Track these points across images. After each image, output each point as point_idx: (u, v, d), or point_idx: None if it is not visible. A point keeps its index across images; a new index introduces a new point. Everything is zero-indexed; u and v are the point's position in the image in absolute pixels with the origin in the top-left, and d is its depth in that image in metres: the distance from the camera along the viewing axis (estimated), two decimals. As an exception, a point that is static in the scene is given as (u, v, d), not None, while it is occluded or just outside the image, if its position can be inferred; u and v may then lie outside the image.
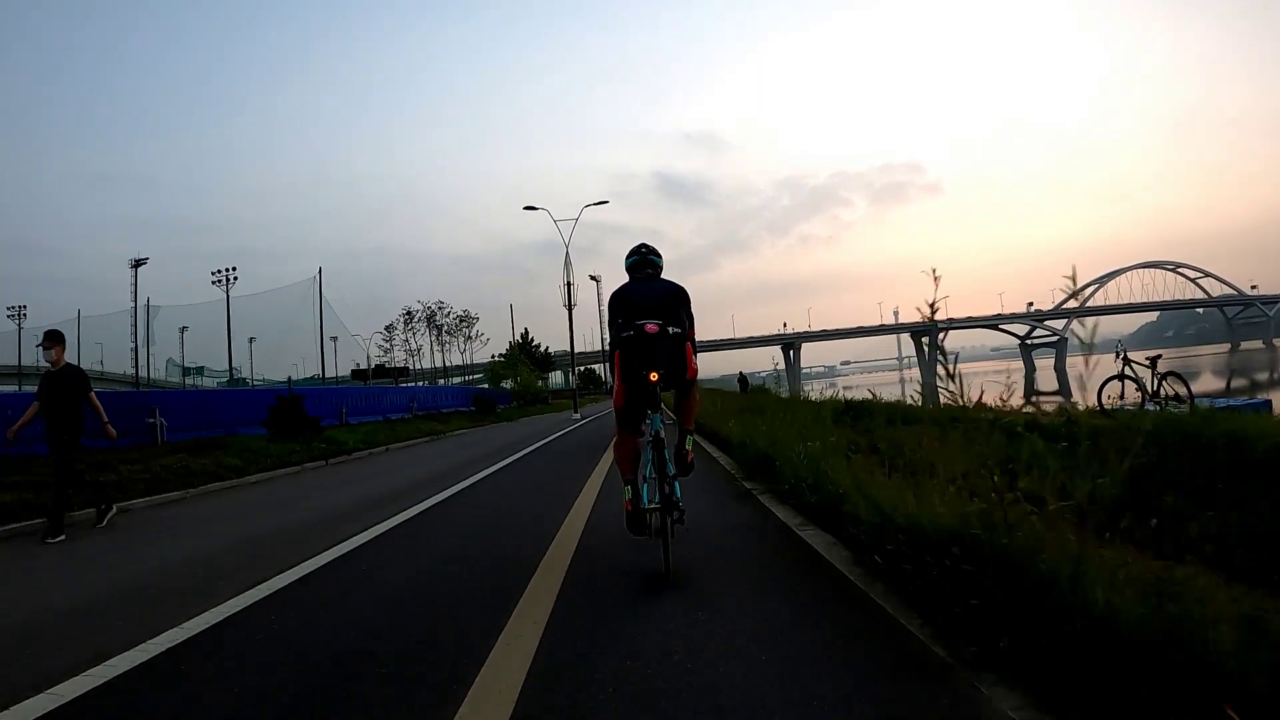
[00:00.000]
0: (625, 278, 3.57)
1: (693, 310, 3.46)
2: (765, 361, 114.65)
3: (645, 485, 3.25)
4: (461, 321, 72.73)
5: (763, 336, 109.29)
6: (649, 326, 3.18)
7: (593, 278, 45.82)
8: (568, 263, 30.06)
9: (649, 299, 3.33)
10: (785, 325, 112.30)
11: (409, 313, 65.90)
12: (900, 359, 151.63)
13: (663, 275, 3.58)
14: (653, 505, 3.12)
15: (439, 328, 68.93)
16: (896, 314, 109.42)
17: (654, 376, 3.12)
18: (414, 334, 66.89)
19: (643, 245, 3.60)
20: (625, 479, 3.32)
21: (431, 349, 70.18)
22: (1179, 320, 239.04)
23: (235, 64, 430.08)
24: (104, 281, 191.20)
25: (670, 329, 3.21)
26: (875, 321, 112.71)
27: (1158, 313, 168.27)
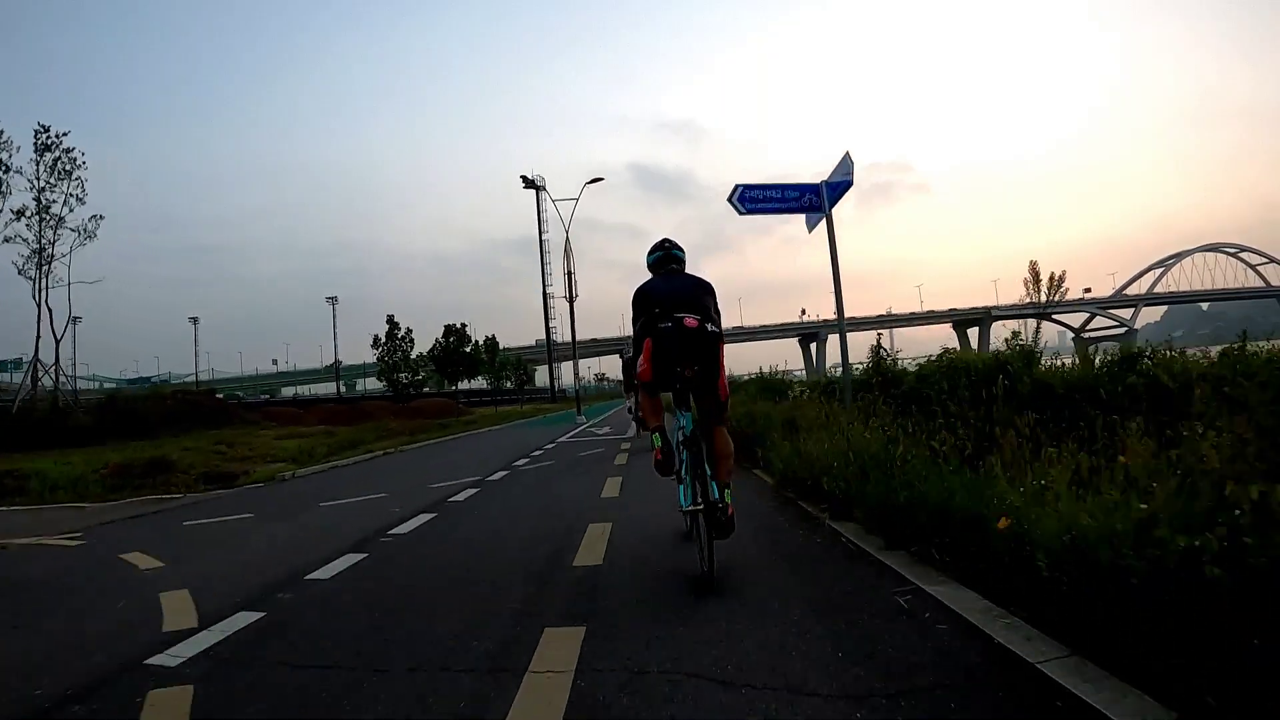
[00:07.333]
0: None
1: (719, 306, 3.39)
2: (772, 358, 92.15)
3: (682, 487, 3.11)
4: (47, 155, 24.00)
5: (778, 325, 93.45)
6: (688, 320, 3.08)
7: (525, 177, 28.40)
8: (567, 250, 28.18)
9: (680, 293, 3.28)
10: (804, 314, 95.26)
11: None
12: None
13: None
14: (694, 506, 2.85)
15: None
16: (890, 309, 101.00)
17: (689, 372, 3.06)
18: None
19: (665, 240, 3.59)
20: (653, 426, 3.26)
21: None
22: (1190, 318, 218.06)
23: (194, 52, 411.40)
24: None
25: (709, 326, 3.13)
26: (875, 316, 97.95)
27: (1164, 309, 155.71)
